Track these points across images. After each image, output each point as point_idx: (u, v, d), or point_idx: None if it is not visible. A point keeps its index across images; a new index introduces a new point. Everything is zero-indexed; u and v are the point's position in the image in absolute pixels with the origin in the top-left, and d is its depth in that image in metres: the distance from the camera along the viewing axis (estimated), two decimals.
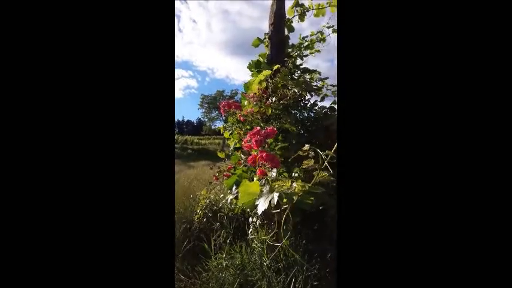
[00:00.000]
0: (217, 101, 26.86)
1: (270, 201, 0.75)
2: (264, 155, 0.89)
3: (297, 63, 2.58)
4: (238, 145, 2.06)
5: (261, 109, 1.38)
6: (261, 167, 0.93)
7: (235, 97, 26.88)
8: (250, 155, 1.66)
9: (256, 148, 0.93)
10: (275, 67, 1.55)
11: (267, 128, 0.98)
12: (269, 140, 0.96)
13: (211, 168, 1.84)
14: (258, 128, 1.00)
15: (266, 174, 0.92)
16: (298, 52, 2.71)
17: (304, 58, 2.63)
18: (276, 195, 0.75)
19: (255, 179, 1.11)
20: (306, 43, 2.66)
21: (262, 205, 0.77)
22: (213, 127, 29.92)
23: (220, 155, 1.81)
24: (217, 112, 27.42)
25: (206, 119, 28.78)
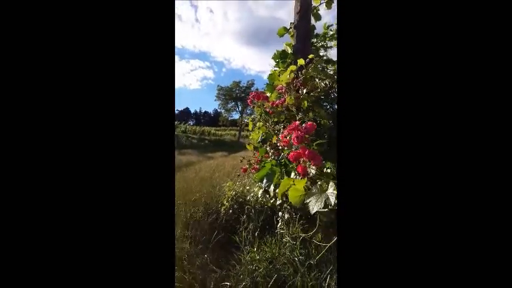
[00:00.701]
0: (233, 92, 26.82)
1: (325, 202, 0.73)
2: (307, 152, 0.87)
3: (321, 54, 2.50)
4: (264, 137, 2.04)
5: (295, 101, 1.35)
6: (301, 164, 0.90)
7: (252, 88, 26.73)
8: (279, 148, 1.64)
9: (296, 144, 0.90)
10: (310, 56, 1.50)
11: (306, 123, 0.95)
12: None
13: (241, 161, 1.84)
14: (297, 122, 0.97)
15: (306, 172, 0.89)
16: (323, 43, 2.62)
17: (328, 50, 2.54)
18: (332, 197, 0.73)
19: (292, 174, 1.09)
20: (331, 32, 2.56)
21: (315, 205, 0.75)
22: (229, 118, 30.08)
23: (249, 147, 1.80)
24: (233, 103, 27.44)
25: (223, 110, 28.89)
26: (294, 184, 1.07)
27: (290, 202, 1.44)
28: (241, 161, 1.86)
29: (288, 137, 1.00)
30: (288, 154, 0.95)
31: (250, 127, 2.02)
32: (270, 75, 2.32)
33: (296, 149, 0.91)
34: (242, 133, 25.19)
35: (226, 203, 1.99)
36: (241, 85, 26.84)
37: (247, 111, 27.21)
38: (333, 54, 2.58)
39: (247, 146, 1.82)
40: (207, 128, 26.80)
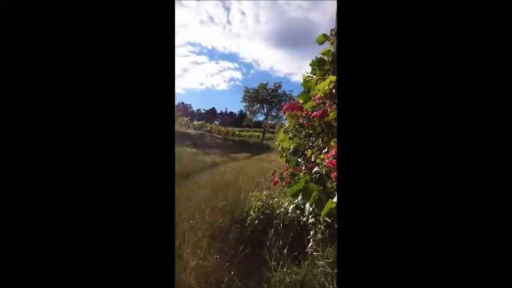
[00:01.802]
0: (259, 94, 26.87)
1: None
2: None
3: None
4: (296, 148, 1.96)
5: (334, 115, 1.25)
6: None
7: (279, 90, 26.63)
8: (312, 161, 1.55)
9: None
10: None
11: None
12: None
13: (272, 174, 1.77)
14: None
15: None
16: None
17: None
18: None
19: (335, 198, 1.00)
20: None
21: None
22: (254, 119, 30.21)
23: (281, 160, 1.73)
24: (259, 105, 27.51)
25: (248, 112, 29.06)
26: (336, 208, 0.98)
27: (325, 222, 1.35)
28: (273, 174, 1.79)
29: (333, 159, 0.91)
30: (333, 182, 0.87)
31: (280, 138, 1.95)
32: (306, 82, 2.23)
33: None
34: (266, 135, 25.18)
35: (253, 214, 1.93)
36: (267, 87, 26.83)
37: (272, 113, 27.18)
38: None
39: (279, 158, 1.75)
40: (231, 129, 27.10)
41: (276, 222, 1.72)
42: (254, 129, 32.60)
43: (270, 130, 26.61)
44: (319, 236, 1.40)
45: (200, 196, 2.53)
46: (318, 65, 2.13)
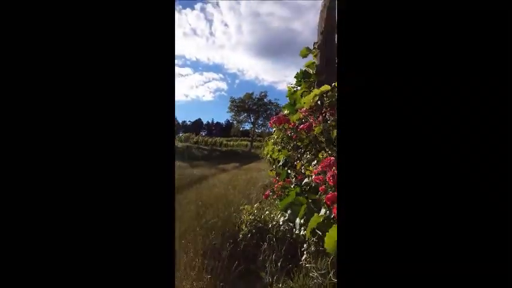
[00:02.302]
0: (245, 104, 27.03)
1: None
2: None
3: None
4: (285, 160, 1.97)
5: (323, 129, 1.28)
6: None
7: (265, 99, 26.90)
8: (305, 176, 1.57)
9: (332, 184, 0.84)
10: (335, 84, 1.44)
11: None
12: None
13: (263, 188, 1.77)
14: (332, 158, 0.90)
15: None
16: None
17: None
18: None
19: (322, 210, 1.02)
20: None
21: None
22: (241, 129, 30.26)
23: (270, 173, 1.74)
24: (245, 114, 27.62)
25: (235, 121, 29.11)
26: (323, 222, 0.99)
27: (317, 234, 1.35)
28: (264, 188, 1.79)
29: (321, 174, 0.93)
30: (322, 195, 0.88)
31: (270, 148, 1.97)
32: (291, 94, 2.27)
33: (329, 189, 0.84)
34: (254, 143, 25.20)
35: (245, 228, 1.91)
36: (253, 97, 27.06)
37: (259, 121, 27.35)
38: None
39: (269, 172, 1.76)
40: (218, 139, 26.97)
41: (269, 236, 1.71)
42: (242, 138, 32.58)
43: (258, 139, 26.70)
44: (313, 248, 1.40)
45: (190, 212, 2.49)
46: (302, 77, 2.18)
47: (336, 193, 0.83)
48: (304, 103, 1.68)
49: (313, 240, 1.38)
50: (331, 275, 1.16)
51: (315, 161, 1.43)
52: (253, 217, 1.97)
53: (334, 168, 0.86)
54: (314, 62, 2.16)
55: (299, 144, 1.71)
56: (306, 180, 1.54)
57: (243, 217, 2.08)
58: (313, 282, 1.29)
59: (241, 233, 1.92)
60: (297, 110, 1.92)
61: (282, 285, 1.30)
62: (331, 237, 0.79)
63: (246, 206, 2.11)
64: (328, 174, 0.85)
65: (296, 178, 1.75)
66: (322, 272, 1.29)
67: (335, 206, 0.85)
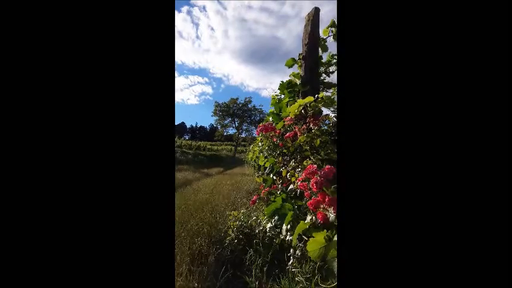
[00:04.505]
0: (230, 109, 27.02)
1: None
2: (327, 199, 0.86)
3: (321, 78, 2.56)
4: (271, 167, 2.03)
5: (307, 138, 1.35)
6: (321, 210, 0.89)
7: (249, 104, 27.01)
8: (291, 182, 1.63)
9: (315, 191, 0.89)
10: (321, 95, 1.52)
11: (324, 168, 0.94)
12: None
13: (251, 193, 1.80)
14: (315, 166, 0.96)
15: (327, 218, 0.88)
16: (325, 68, 2.69)
17: (331, 75, 2.60)
18: None
19: (308, 217, 1.07)
20: (334, 61, 2.63)
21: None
22: (225, 133, 30.13)
23: (258, 179, 1.78)
24: (230, 119, 27.58)
25: (219, 126, 28.97)
26: (309, 229, 1.04)
27: (303, 239, 1.41)
28: (250, 194, 1.83)
29: (305, 181, 0.99)
30: (307, 200, 0.94)
31: (255, 155, 2.02)
32: (276, 103, 2.34)
33: (313, 194, 0.90)
34: (238, 148, 25.16)
35: (232, 234, 1.94)
36: (238, 102, 27.12)
37: (243, 126, 27.38)
38: (334, 79, 2.66)
39: (256, 178, 1.80)
40: (202, 143, 26.70)
41: (256, 241, 1.75)
42: (226, 142, 32.42)
43: (242, 143, 26.69)
44: (299, 253, 1.45)
45: (175, 217, 2.47)
46: (287, 87, 2.26)
47: (318, 198, 0.89)
48: (290, 112, 1.75)
49: (299, 245, 1.43)
50: (316, 278, 1.21)
51: (299, 168, 1.49)
52: (239, 223, 2.00)
53: (318, 176, 0.92)
54: (299, 73, 2.25)
55: (285, 151, 1.77)
56: (291, 186, 1.60)
57: (229, 223, 2.10)
58: (299, 287, 1.34)
59: (228, 238, 1.94)
60: (282, 119, 1.99)
61: None
62: (313, 243, 0.84)
63: (232, 212, 2.13)
64: (312, 182, 0.90)
65: (282, 184, 1.81)
66: (308, 276, 1.34)
67: (319, 211, 0.91)
